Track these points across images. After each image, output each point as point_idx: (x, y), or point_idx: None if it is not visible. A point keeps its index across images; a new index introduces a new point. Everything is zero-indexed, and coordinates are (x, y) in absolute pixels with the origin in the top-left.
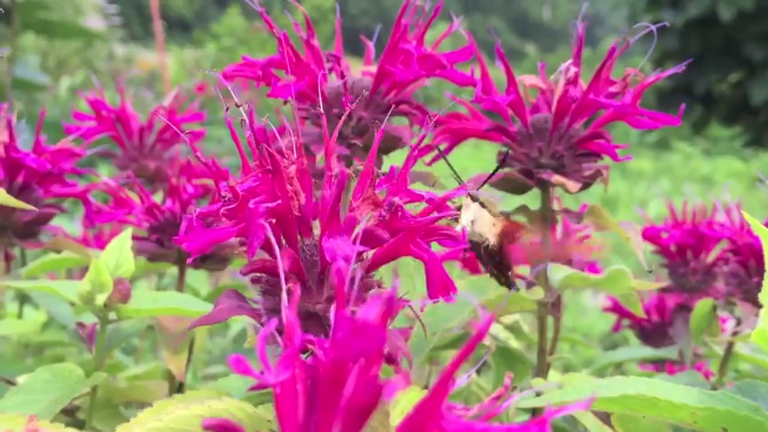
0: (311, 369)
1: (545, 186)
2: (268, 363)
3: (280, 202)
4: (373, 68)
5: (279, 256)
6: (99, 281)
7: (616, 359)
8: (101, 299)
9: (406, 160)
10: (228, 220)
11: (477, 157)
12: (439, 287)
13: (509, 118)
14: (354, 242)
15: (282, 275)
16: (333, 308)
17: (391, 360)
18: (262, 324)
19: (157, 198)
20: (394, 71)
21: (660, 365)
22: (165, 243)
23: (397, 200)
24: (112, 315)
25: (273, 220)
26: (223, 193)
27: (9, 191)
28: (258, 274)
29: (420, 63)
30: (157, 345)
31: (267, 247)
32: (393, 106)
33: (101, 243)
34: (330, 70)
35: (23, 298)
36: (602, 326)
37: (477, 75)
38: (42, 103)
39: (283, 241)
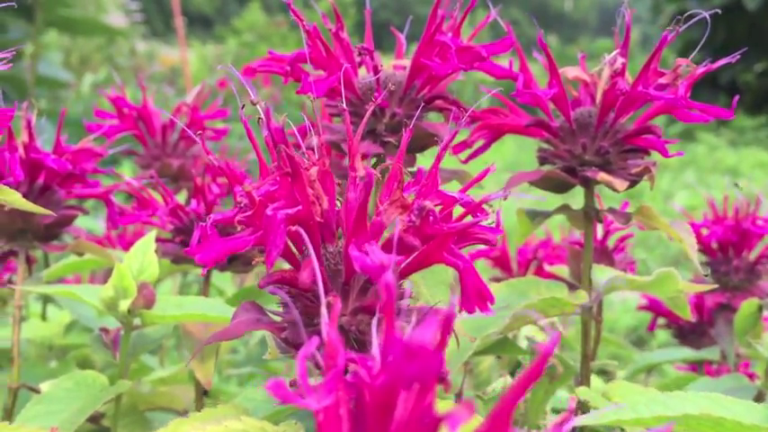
0: (353, 388)
1: (589, 185)
2: (309, 385)
3: (300, 207)
4: (405, 62)
5: (301, 267)
6: (122, 286)
7: (655, 361)
8: (124, 305)
9: (436, 158)
10: (246, 227)
11: (497, 151)
12: (475, 297)
13: (550, 113)
14: (385, 250)
15: (321, 288)
16: (374, 324)
17: (440, 378)
18: (283, 339)
19: (181, 197)
20: (431, 65)
21: (698, 366)
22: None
23: (428, 204)
24: (137, 321)
25: (294, 227)
26: (239, 199)
27: (29, 192)
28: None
29: (458, 56)
30: (182, 342)
31: (288, 255)
32: (427, 102)
33: (124, 241)
34: (359, 64)
35: (47, 298)
36: (628, 320)
37: (516, 67)
38: (65, 100)
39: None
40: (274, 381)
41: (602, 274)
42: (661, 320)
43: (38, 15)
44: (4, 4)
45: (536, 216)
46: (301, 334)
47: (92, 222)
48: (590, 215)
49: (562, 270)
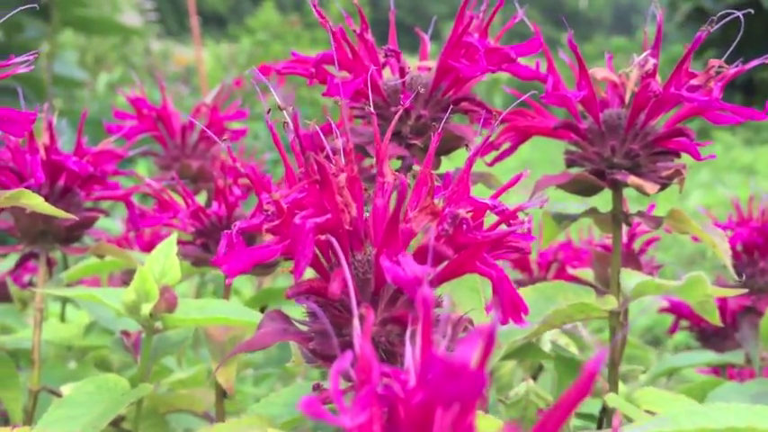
0: (385, 402)
1: (617, 188)
2: (342, 401)
3: (329, 216)
4: (430, 63)
5: (331, 277)
6: (144, 290)
7: (677, 364)
8: (146, 308)
9: (467, 163)
10: (272, 235)
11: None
12: (509, 308)
13: (578, 114)
14: (415, 259)
15: (354, 300)
16: (407, 336)
17: None
18: (311, 350)
19: (200, 199)
20: (458, 66)
21: (720, 369)
22: (210, 248)
23: (461, 212)
24: (158, 324)
25: (323, 236)
26: (265, 207)
27: (50, 195)
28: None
29: (487, 57)
30: (199, 341)
31: (315, 264)
32: (454, 104)
33: (141, 242)
34: (383, 65)
35: (65, 298)
36: (644, 321)
37: (542, 68)
38: (81, 100)
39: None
40: (307, 399)
41: (629, 278)
42: (683, 323)
43: (54, 15)
44: (24, 7)
45: (562, 219)
46: (332, 346)
47: (109, 222)
48: (618, 219)
49: (586, 273)
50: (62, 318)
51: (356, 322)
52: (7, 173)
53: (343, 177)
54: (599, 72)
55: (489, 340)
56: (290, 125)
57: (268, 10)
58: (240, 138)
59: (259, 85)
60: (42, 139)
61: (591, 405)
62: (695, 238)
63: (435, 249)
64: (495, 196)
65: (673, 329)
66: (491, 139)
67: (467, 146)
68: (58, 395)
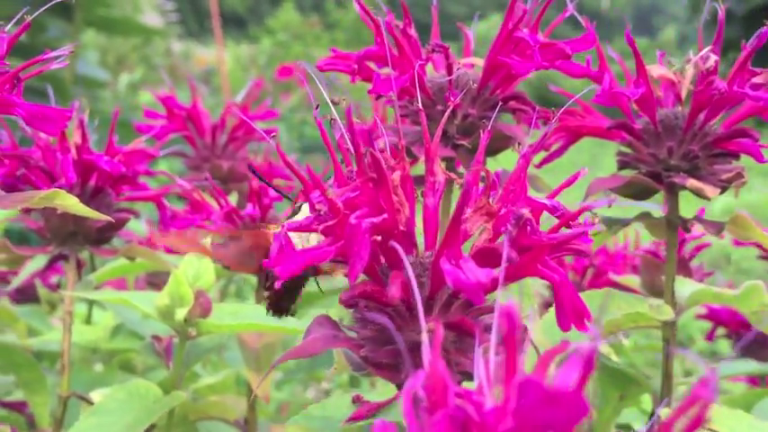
0: (456, 424)
1: (674, 191)
2: (416, 425)
3: (386, 216)
4: (475, 60)
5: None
6: (178, 294)
7: (719, 374)
8: (180, 314)
9: (523, 161)
10: (324, 236)
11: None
12: (572, 314)
13: (631, 114)
14: (479, 263)
15: (421, 311)
16: (477, 353)
17: None
18: (363, 357)
19: (231, 200)
20: (510, 63)
21: (758, 379)
22: None
23: (525, 213)
24: (192, 330)
25: (378, 237)
26: (317, 206)
27: (81, 195)
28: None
29: (541, 53)
30: (223, 344)
31: (368, 267)
32: (502, 102)
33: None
34: (425, 62)
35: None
36: None
37: (594, 66)
38: (103, 100)
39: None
40: (381, 423)
41: (684, 286)
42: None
43: (77, 15)
44: (50, 3)
45: (613, 224)
46: (386, 354)
47: (133, 223)
48: (674, 224)
49: (631, 280)
50: (88, 320)
51: (425, 337)
52: (37, 172)
53: (397, 176)
54: (655, 69)
55: (588, 364)
56: (339, 122)
57: (288, 10)
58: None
59: (308, 83)
60: (74, 139)
61: (627, 415)
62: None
63: (498, 252)
64: (551, 196)
65: (710, 336)
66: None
67: (519, 145)
68: (88, 401)
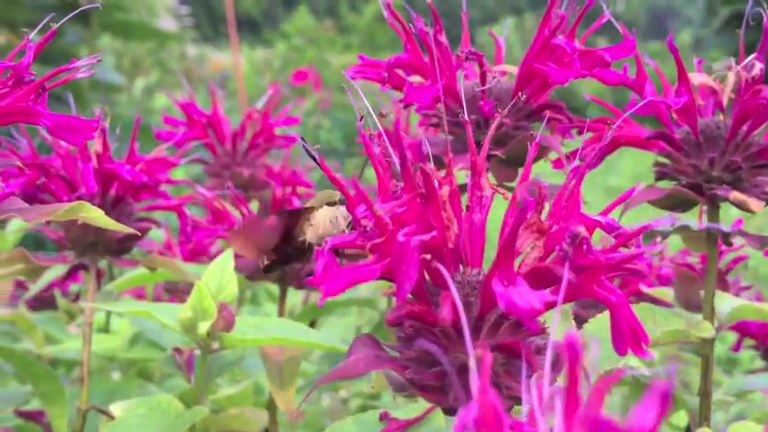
0: None
1: (715, 204)
2: None
3: (435, 233)
4: (508, 67)
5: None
6: (201, 307)
7: (747, 387)
8: (203, 327)
9: (577, 175)
10: (371, 253)
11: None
12: (629, 338)
13: (670, 123)
14: (531, 283)
15: (468, 336)
16: (529, 383)
17: None
18: (409, 380)
19: (252, 208)
20: (547, 71)
21: None
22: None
23: (582, 231)
24: (215, 344)
25: (427, 256)
26: (363, 222)
27: (102, 205)
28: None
29: (580, 61)
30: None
31: (416, 287)
32: (537, 111)
33: (185, 250)
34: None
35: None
36: None
37: (631, 73)
38: (118, 104)
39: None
40: None
41: (723, 301)
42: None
43: (94, 20)
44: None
45: (651, 237)
46: (432, 376)
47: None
48: (714, 237)
49: (664, 293)
50: (106, 328)
51: (473, 363)
52: (57, 181)
53: (445, 191)
54: (696, 77)
55: (664, 402)
56: (392, 134)
57: (302, 15)
58: (292, 144)
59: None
60: (95, 147)
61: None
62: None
63: (552, 272)
64: (604, 213)
65: (736, 348)
66: (568, 149)
67: (569, 158)
68: (107, 414)
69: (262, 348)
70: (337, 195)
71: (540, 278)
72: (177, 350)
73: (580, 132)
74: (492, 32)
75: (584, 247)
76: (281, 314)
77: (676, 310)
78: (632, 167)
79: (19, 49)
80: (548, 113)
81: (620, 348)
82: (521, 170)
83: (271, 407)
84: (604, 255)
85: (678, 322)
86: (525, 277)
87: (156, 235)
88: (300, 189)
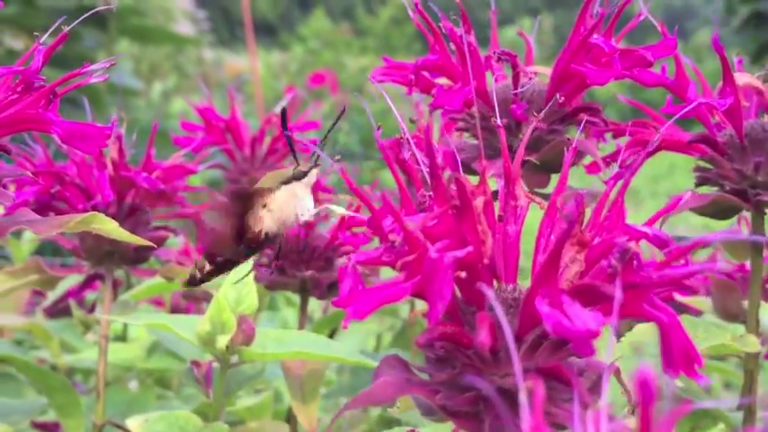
0: None
1: (760, 210)
2: None
3: (470, 249)
4: (540, 69)
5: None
6: (220, 320)
7: None
8: (222, 341)
9: (621, 186)
10: (399, 270)
11: None
12: (681, 359)
13: (712, 126)
14: (582, 303)
15: (518, 364)
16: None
17: None
18: (441, 406)
19: None
20: (585, 72)
21: None
22: (287, 271)
23: (632, 246)
24: (234, 358)
25: (462, 273)
26: (391, 237)
27: (118, 213)
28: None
29: (621, 60)
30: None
31: (448, 306)
32: (572, 114)
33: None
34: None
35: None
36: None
37: (670, 73)
38: (136, 109)
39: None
40: None
41: (766, 313)
42: None
43: (111, 24)
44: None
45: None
46: (465, 401)
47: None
48: (759, 246)
49: (699, 302)
50: (124, 335)
51: (523, 397)
52: (72, 189)
53: (480, 202)
54: (741, 78)
55: None
56: (424, 141)
57: (319, 18)
58: (310, 149)
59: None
60: (110, 154)
61: None
62: None
63: (601, 291)
64: (650, 223)
65: None
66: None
67: (612, 164)
68: (123, 429)
69: (283, 361)
70: (289, 171)
71: (584, 296)
72: (195, 363)
73: (614, 136)
74: (522, 32)
75: (635, 262)
76: (301, 326)
77: (718, 322)
78: (650, 169)
79: (29, 53)
80: (584, 116)
81: (671, 371)
82: (552, 176)
83: (291, 420)
84: (656, 272)
85: (721, 336)
86: (569, 295)
87: (174, 241)
88: (320, 195)
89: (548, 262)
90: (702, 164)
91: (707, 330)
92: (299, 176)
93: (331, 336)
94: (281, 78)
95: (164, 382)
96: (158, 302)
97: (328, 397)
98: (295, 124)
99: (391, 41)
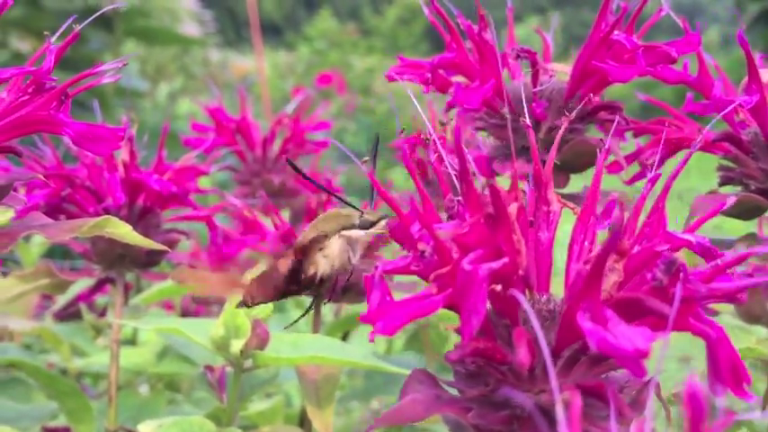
0: None
1: None
2: None
3: (506, 260)
4: (559, 66)
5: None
6: (234, 325)
7: None
8: (236, 346)
9: (661, 188)
10: (429, 281)
11: None
12: (729, 376)
13: (736, 125)
14: (623, 317)
15: (555, 380)
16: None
17: None
18: (474, 425)
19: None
20: (607, 69)
21: None
22: None
23: (679, 258)
24: (248, 362)
25: (497, 286)
26: (421, 246)
27: (129, 216)
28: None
29: (644, 57)
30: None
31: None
32: (592, 113)
33: (212, 259)
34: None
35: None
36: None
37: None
38: (143, 110)
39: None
40: None
41: None
42: None
43: (118, 26)
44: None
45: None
46: (499, 419)
47: None
48: None
49: (722, 305)
50: (134, 339)
51: (560, 411)
52: (83, 192)
53: (514, 208)
54: (766, 74)
55: None
56: (453, 144)
57: (325, 18)
58: (322, 150)
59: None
60: (121, 156)
61: None
62: None
63: (645, 304)
64: (691, 230)
65: None
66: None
67: (651, 167)
68: None
69: (298, 366)
70: (354, 217)
71: (626, 309)
72: (209, 368)
73: (635, 135)
74: (539, 29)
75: (681, 275)
76: (315, 330)
77: (741, 325)
78: (662, 169)
79: (39, 54)
80: (604, 115)
81: (718, 388)
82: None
83: (305, 424)
84: (705, 285)
85: (746, 339)
86: (610, 308)
87: (184, 243)
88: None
89: (590, 274)
90: (726, 163)
91: (731, 333)
92: (365, 226)
93: (343, 339)
94: (288, 79)
95: (173, 385)
96: (168, 306)
97: (340, 401)
98: (306, 124)
99: (398, 42)
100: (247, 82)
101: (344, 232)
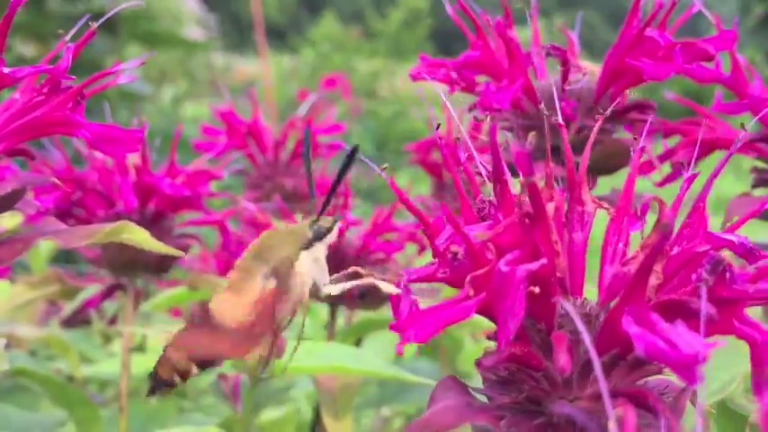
0: None
1: None
2: None
3: (545, 261)
4: (588, 64)
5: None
6: None
7: None
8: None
9: (703, 188)
10: (457, 287)
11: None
12: None
13: None
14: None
15: (606, 391)
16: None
17: None
18: None
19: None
20: (642, 67)
21: None
22: None
23: (725, 258)
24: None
25: (535, 289)
26: (453, 249)
27: (141, 220)
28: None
29: (681, 54)
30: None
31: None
32: (623, 112)
33: (221, 264)
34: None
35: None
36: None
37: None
38: (146, 114)
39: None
40: None
41: None
42: None
43: (121, 30)
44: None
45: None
46: (531, 428)
47: None
48: None
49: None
50: (142, 347)
51: (613, 426)
52: (94, 196)
53: (551, 208)
54: None
55: None
56: (489, 142)
57: (329, 21)
58: (334, 152)
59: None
60: (133, 159)
61: None
62: None
63: (689, 306)
64: (730, 230)
65: None
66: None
67: (682, 165)
68: None
69: (314, 374)
70: (305, 228)
71: (669, 313)
72: (222, 376)
73: (665, 135)
74: (564, 28)
75: (728, 275)
76: (331, 337)
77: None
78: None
79: (54, 53)
80: (634, 114)
81: (764, 395)
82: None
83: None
84: (753, 286)
85: None
86: (654, 312)
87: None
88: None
89: (638, 276)
90: (761, 164)
91: None
92: (320, 236)
93: (356, 345)
94: (291, 83)
95: (181, 392)
96: (175, 312)
97: (353, 409)
98: (319, 126)
99: (402, 44)
100: (250, 85)
101: (305, 253)
